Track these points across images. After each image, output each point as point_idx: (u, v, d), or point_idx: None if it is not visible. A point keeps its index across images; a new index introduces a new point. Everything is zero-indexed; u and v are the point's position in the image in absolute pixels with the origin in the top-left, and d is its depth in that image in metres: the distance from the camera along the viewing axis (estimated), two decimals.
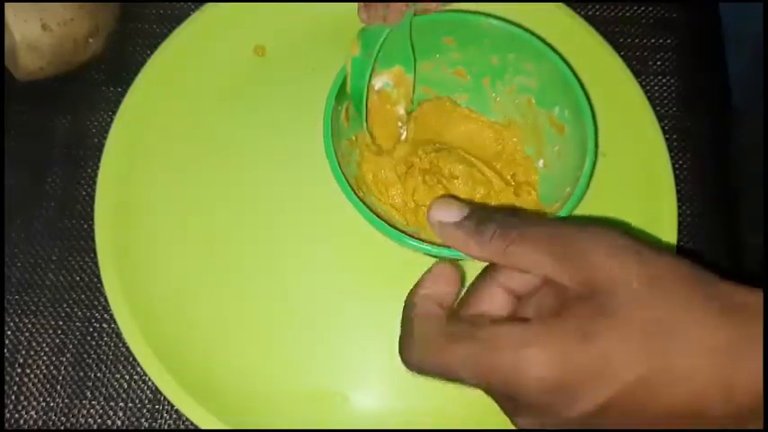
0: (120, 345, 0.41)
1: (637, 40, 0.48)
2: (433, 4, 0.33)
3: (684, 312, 0.25)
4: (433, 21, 0.38)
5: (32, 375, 0.41)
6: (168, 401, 0.39)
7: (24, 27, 0.42)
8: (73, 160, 0.45)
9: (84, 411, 0.40)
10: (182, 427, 0.40)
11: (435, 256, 0.33)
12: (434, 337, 0.27)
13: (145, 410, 0.40)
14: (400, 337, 0.29)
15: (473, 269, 0.31)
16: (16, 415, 0.40)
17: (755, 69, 0.56)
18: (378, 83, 0.39)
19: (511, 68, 0.40)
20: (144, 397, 0.40)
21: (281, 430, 0.39)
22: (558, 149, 0.39)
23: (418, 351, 0.28)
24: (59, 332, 0.42)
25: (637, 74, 0.45)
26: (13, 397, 0.40)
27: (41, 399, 0.40)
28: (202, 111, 0.45)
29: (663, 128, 0.44)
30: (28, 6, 0.42)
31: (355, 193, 0.35)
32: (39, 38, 0.42)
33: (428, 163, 0.40)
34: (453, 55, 0.40)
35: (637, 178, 0.43)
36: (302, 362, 0.40)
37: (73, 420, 0.40)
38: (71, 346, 0.41)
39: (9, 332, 0.42)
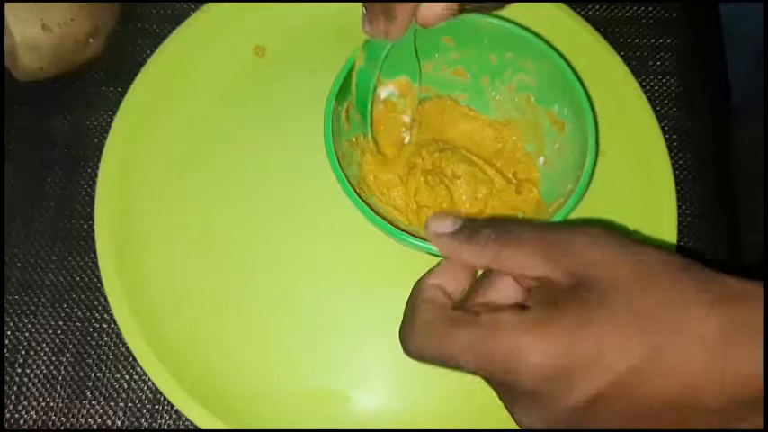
0: (120, 345, 0.41)
1: (637, 40, 0.48)
2: (434, 20, 0.33)
3: (675, 300, 0.25)
4: None
5: (32, 375, 0.41)
6: (168, 401, 0.39)
7: (24, 27, 0.42)
8: (73, 160, 0.45)
9: (84, 411, 0.40)
10: (182, 427, 0.40)
11: (437, 256, 0.33)
12: (437, 323, 0.28)
13: (145, 410, 0.40)
14: (402, 324, 0.30)
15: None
16: (16, 415, 0.40)
17: (755, 69, 0.56)
18: (383, 92, 0.40)
19: (510, 67, 0.40)
20: (144, 397, 0.40)
21: (281, 430, 0.39)
22: (559, 146, 0.39)
23: (420, 336, 0.28)
24: (59, 332, 0.42)
25: (637, 74, 0.45)
26: (13, 397, 0.40)
27: (41, 399, 0.40)
28: (202, 111, 0.45)
29: (663, 128, 0.44)
30: (28, 6, 0.42)
31: (357, 193, 0.35)
32: (39, 38, 0.42)
33: (431, 164, 0.40)
34: (452, 54, 0.40)
35: (636, 178, 0.43)
36: (302, 362, 0.40)
37: (73, 420, 0.40)
38: (71, 346, 0.41)
39: (9, 332, 0.42)
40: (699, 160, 0.45)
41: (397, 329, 0.30)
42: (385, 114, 0.40)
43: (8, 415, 0.40)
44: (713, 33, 0.50)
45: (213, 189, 0.44)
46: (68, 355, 0.41)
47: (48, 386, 0.41)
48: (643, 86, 0.45)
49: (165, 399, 0.40)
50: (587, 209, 0.37)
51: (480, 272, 0.30)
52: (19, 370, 0.41)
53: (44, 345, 0.41)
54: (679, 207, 0.43)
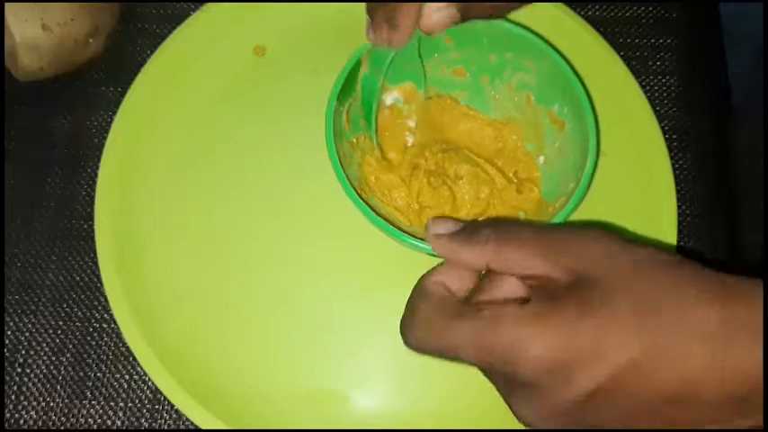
0: (120, 345, 0.41)
1: (637, 40, 0.48)
2: (437, 28, 0.33)
3: (675, 297, 0.25)
4: None
5: (32, 375, 0.41)
6: (168, 401, 0.39)
7: (24, 27, 0.42)
8: (73, 160, 0.45)
9: (84, 411, 0.40)
10: (182, 427, 0.40)
11: (438, 257, 0.33)
12: (438, 315, 0.28)
13: (145, 410, 0.40)
14: (403, 316, 0.30)
15: None
16: (16, 415, 0.40)
17: (755, 69, 0.56)
18: (389, 99, 0.40)
19: (509, 66, 0.40)
20: (144, 397, 0.40)
21: (281, 430, 0.39)
22: (559, 145, 0.39)
23: (420, 328, 0.29)
24: (59, 332, 0.42)
25: (637, 74, 0.45)
26: (13, 397, 0.40)
27: (41, 399, 0.40)
28: (202, 111, 0.45)
29: (663, 128, 0.44)
30: (28, 6, 0.42)
31: (358, 194, 0.35)
32: (39, 38, 0.42)
33: (434, 164, 0.40)
34: (452, 54, 0.40)
35: (637, 178, 0.43)
36: (302, 362, 0.40)
37: (73, 420, 0.40)
38: (71, 346, 0.41)
39: (9, 332, 0.42)
40: (699, 160, 0.45)
41: (398, 330, 0.30)
42: (391, 120, 0.41)
43: (8, 415, 0.40)
44: (713, 33, 0.50)
45: (213, 189, 0.44)
46: (68, 355, 0.41)
47: (48, 386, 0.41)
48: (643, 86, 0.45)
49: (165, 399, 0.40)
50: (587, 209, 0.37)
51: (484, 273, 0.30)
52: (19, 370, 0.41)
53: (44, 345, 0.41)
54: (679, 207, 0.43)
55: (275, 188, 0.43)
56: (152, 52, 0.45)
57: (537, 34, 0.38)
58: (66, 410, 0.40)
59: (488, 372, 0.28)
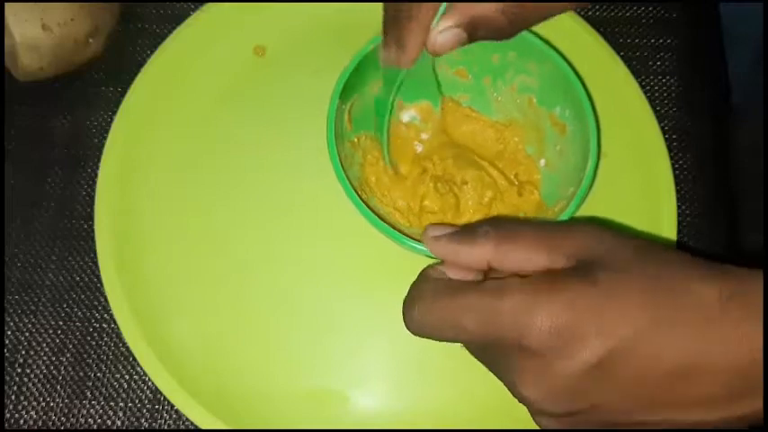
0: (120, 345, 0.41)
1: (637, 40, 0.48)
2: (444, 49, 0.33)
3: (679, 276, 0.26)
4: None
5: (32, 375, 0.41)
6: (168, 401, 0.39)
7: (24, 27, 0.42)
8: (73, 160, 0.45)
9: (84, 411, 0.40)
10: (182, 427, 0.40)
11: (437, 259, 0.33)
12: (440, 290, 0.28)
13: (145, 410, 0.40)
14: (405, 300, 0.30)
15: None
16: (16, 415, 0.40)
17: (755, 69, 0.56)
18: (405, 116, 0.40)
19: (512, 68, 0.40)
20: (144, 397, 0.40)
21: (281, 430, 0.39)
22: (560, 148, 0.39)
23: (424, 302, 0.29)
24: (59, 332, 0.42)
25: (637, 74, 0.45)
26: (13, 397, 0.40)
27: (41, 399, 0.40)
28: (202, 111, 0.45)
29: (663, 128, 0.44)
30: (28, 6, 0.42)
31: (358, 194, 0.35)
32: (39, 38, 0.42)
33: (442, 169, 0.40)
34: (454, 55, 0.40)
35: (637, 178, 0.43)
36: (302, 362, 0.40)
37: (73, 420, 0.40)
38: (71, 346, 0.41)
39: (9, 332, 0.42)
40: (699, 160, 0.45)
41: (398, 330, 0.30)
42: (406, 137, 0.41)
43: (8, 415, 0.40)
44: (713, 33, 0.50)
45: (213, 189, 0.44)
46: (68, 355, 0.41)
47: (48, 386, 0.41)
48: (643, 86, 0.45)
49: (165, 399, 0.40)
50: (587, 208, 0.37)
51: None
52: (19, 370, 0.41)
53: (44, 345, 0.41)
54: (679, 207, 0.43)
55: (275, 188, 0.43)
56: (152, 52, 0.45)
57: (538, 35, 0.38)
58: (66, 410, 0.40)
59: (487, 350, 0.28)
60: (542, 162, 0.40)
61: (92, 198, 0.42)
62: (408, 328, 0.30)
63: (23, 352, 0.41)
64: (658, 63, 0.48)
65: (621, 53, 0.46)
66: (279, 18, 0.47)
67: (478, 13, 0.31)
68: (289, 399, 0.39)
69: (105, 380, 0.41)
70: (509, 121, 0.42)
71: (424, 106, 0.40)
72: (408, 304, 0.30)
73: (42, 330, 0.42)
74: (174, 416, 0.40)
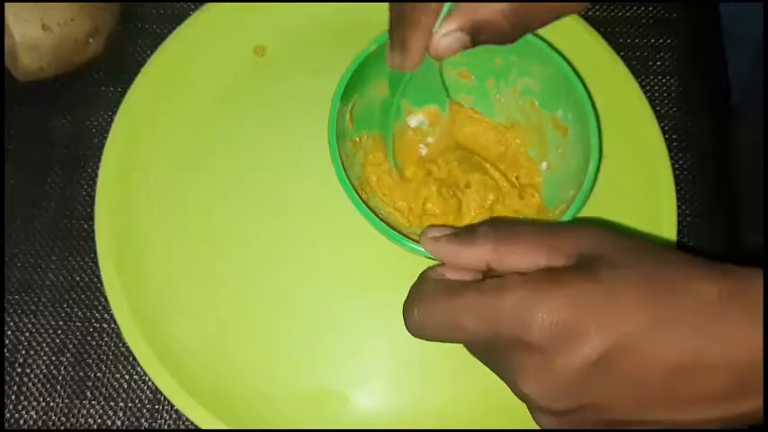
0: (120, 345, 0.41)
1: (637, 40, 0.48)
2: (446, 53, 0.33)
3: (677, 271, 0.26)
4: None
5: (32, 375, 0.41)
6: (168, 401, 0.39)
7: (24, 27, 0.42)
8: (73, 160, 0.45)
9: (84, 411, 0.40)
10: (182, 427, 0.40)
11: (437, 260, 0.33)
12: (440, 290, 0.28)
13: (145, 410, 0.40)
14: (404, 302, 0.30)
15: None
16: (16, 415, 0.40)
17: (755, 69, 0.56)
18: (413, 121, 0.40)
19: (515, 70, 0.40)
20: (144, 397, 0.40)
21: (281, 430, 0.39)
22: (562, 152, 0.39)
23: (423, 306, 0.29)
24: (59, 332, 0.42)
25: (637, 74, 0.45)
26: (13, 397, 0.40)
27: (41, 399, 0.40)
28: (202, 111, 0.45)
29: (663, 128, 0.44)
30: (28, 6, 0.42)
31: (358, 194, 0.35)
32: (39, 38, 0.42)
33: (446, 173, 0.40)
34: (457, 56, 0.40)
35: (637, 178, 0.43)
36: (302, 362, 0.40)
37: (73, 420, 0.40)
38: (71, 346, 0.41)
39: (9, 332, 0.42)
40: (699, 160, 0.45)
41: (398, 330, 0.30)
42: (413, 141, 0.41)
43: (8, 415, 0.40)
44: (713, 33, 0.50)
45: (213, 189, 0.44)
46: (68, 355, 0.41)
47: (48, 386, 0.41)
48: (643, 86, 0.45)
49: (165, 399, 0.40)
50: (587, 208, 0.37)
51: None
52: (19, 370, 0.41)
53: (44, 345, 0.41)
54: (679, 207, 0.43)
55: (275, 188, 0.43)
56: (152, 52, 0.45)
57: (541, 38, 0.38)
58: (66, 410, 0.40)
59: (488, 349, 0.28)
60: (544, 165, 0.40)
61: (92, 198, 0.42)
62: (409, 331, 0.30)
63: (23, 352, 0.41)
64: (658, 63, 0.48)
65: (621, 53, 0.46)
66: (279, 18, 0.47)
67: (481, 16, 0.31)
68: (289, 399, 0.39)
69: (105, 380, 0.41)
70: (511, 123, 0.42)
71: (431, 111, 0.40)
72: (408, 307, 0.30)
73: (42, 330, 0.42)
74: (174, 416, 0.40)
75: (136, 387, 0.41)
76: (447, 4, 0.31)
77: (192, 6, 0.48)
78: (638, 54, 0.48)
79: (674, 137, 0.46)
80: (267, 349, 0.40)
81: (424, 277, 0.30)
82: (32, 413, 0.40)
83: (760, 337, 0.24)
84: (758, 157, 0.51)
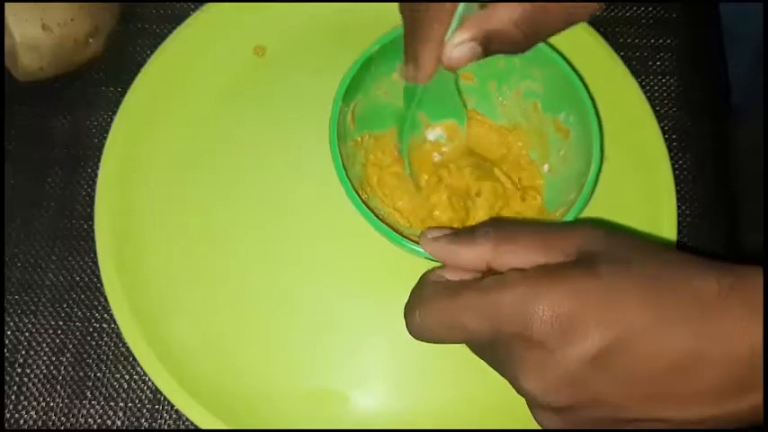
0: (120, 345, 0.41)
1: (637, 40, 0.48)
2: (458, 64, 0.33)
3: (677, 269, 0.26)
4: None
5: (32, 375, 0.41)
6: (168, 401, 0.39)
7: (24, 27, 0.42)
8: (73, 160, 0.45)
9: (84, 411, 0.40)
10: (182, 427, 0.40)
11: (437, 262, 0.33)
12: (441, 291, 0.28)
13: (145, 410, 0.40)
14: (405, 306, 0.30)
15: None
16: (16, 415, 0.40)
17: (755, 69, 0.56)
18: (431, 135, 0.40)
19: (517, 72, 0.40)
20: (144, 397, 0.40)
21: (281, 430, 0.39)
22: (564, 154, 0.39)
23: (423, 308, 0.29)
24: (59, 332, 0.42)
25: (637, 74, 0.45)
26: (13, 397, 0.40)
27: (41, 399, 0.40)
28: (202, 111, 0.45)
29: (663, 128, 0.44)
30: (28, 6, 0.42)
31: (359, 195, 0.35)
32: (39, 38, 0.42)
33: (458, 179, 0.39)
34: None
35: (637, 179, 0.43)
36: (302, 362, 0.40)
37: (73, 420, 0.40)
38: (71, 346, 0.41)
39: (9, 332, 0.42)
40: (699, 160, 0.45)
41: (398, 330, 0.30)
42: (431, 152, 0.41)
43: (8, 415, 0.40)
44: (713, 33, 0.50)
45: (213, 189, 0.44)
46: (68, 355, 0.41)
47: (48, 386, 0.41)
48: (643, 86, 0.45)
49: (165, 399, 0.40)
50: (587, 209, 0.37)
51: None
52: (19, 370, 0.41)
53: (44, 345, 0.41)
54: (679, 207, 0.43)
55: (275, 188, 0.43)
56: (152, 52, 0.45)
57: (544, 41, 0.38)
58: (66, 410, 0.40)
59: (489, 347, 0.28)
60: (546, 168, 0.40)
61: (92, 198, 0.42)
62: (411, 334, 0.30)
63: (23, 352, 0.41)
64: (658, 63, 0.48)
65: (621, 53, 0.46)
66: (279, 18, 0.47)
67: (494, 26, 0.31)
68: (289, 399, 0.39)
69: (105, 380, 0.41)
70: (513, 125, 0.42)
71: (449, 125, 0.40)
72: (409, 310, 0.30)
73: (42, 330, 0.42)
74: (174, 416, 0.40)
75: (136, 387, 0.41)
76: (457, 16, 0.31)
77: (192, 6, 0.48)
78: (638, 54, 0.48)
79: (674, 137, 0.46)
80: (267, 349, 0.40)
81: (423, 280, 0.31)
82: (32, 413, 0.40)
83: (760, 334, 0.24)
84: (758, 157, 0.51)
